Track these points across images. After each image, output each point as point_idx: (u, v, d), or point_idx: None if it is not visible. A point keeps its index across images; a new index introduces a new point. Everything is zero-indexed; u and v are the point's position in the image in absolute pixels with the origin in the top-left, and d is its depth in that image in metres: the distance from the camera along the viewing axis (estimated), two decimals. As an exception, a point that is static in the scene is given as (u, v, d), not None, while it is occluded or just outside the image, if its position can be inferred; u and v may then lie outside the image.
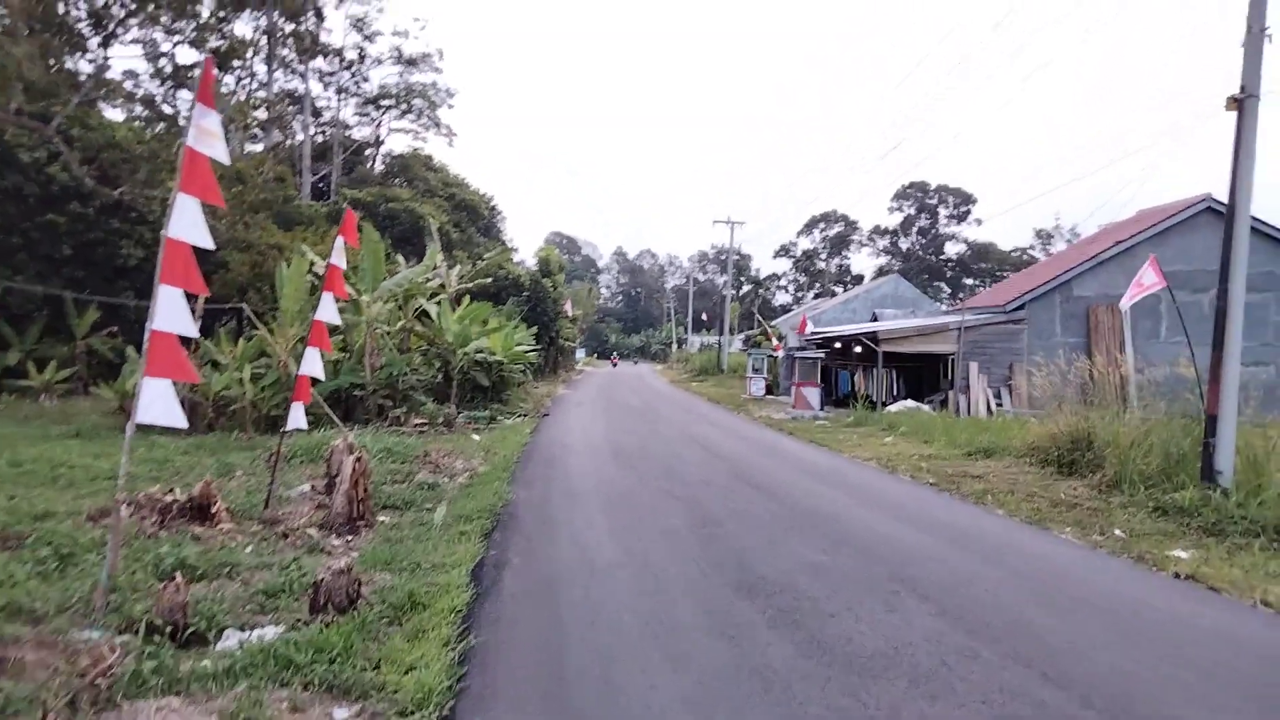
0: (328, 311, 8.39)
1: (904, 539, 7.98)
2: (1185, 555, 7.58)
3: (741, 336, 62.47)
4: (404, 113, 47.71)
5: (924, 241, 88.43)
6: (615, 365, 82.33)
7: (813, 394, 25.06)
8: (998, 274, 73.98)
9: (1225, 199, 10.16)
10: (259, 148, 35.73)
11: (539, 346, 28.34)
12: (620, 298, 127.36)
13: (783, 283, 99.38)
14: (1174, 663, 4.82)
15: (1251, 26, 9.88)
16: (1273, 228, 22.16)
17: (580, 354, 66.99)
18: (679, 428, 19.60)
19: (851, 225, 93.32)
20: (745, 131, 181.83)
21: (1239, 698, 4.34)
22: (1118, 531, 8.53)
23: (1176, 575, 7.00)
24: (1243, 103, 9.90)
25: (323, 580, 5.14)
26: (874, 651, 4.76)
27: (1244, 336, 9.99)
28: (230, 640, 4.49)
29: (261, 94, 37.59)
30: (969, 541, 8.06)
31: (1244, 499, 8.89)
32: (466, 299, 22.59)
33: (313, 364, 8.30)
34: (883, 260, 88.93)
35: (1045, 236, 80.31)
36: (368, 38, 43.58)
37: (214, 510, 7.31)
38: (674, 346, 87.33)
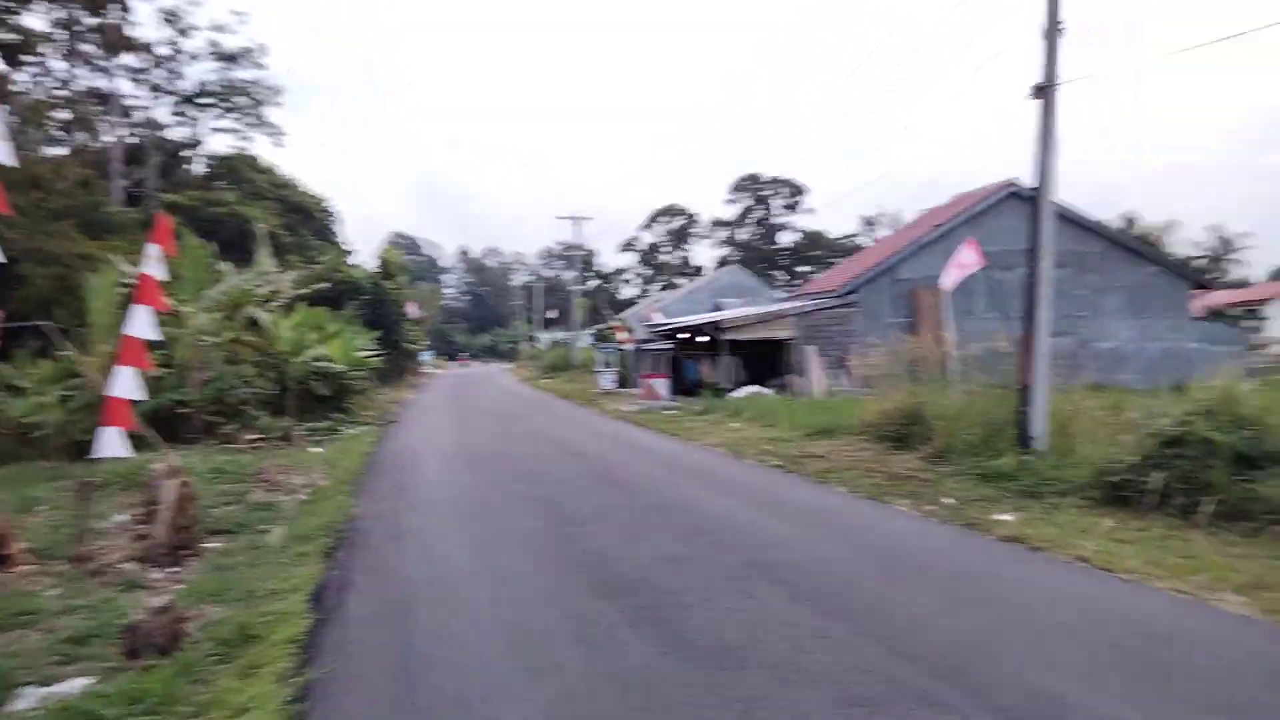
0: (142, 325, 7.71)
1: (756, 524, 8.13)
2: (1009, 518, 8.08)
3: (591, 331, 62.61)
4: (226, 111, 44.76)
5: (761, 232, 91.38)
6: (465, 366, 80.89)
7: (661, 385, 25.38)
8: (829, 261, 77.36)
9: (1029, 184, 10.93)
10: (61, 151, 32.69)
11: (382, 351, 27.32)
12: (467, 297, 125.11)
13: (629, 276, 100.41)
14: (1008, 624, 5.10)
15: (1048, 22, 10.64)
16: (1070, 209, 24.16)
17: (427, 356, 65.25)
18: (532, 427, 19.39)
19: (692, 218, 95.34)
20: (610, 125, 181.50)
21: (1068, 651, 4.62)
22: (948, 500, 9.03)
23: (1003, 538, 7.46)
24: (1044, 92, 10.65)
25: (139, 620, 4.69)
26: (732, 643, 4.78)
27: (1051, 310, 10.77)
28: (27, 699, 4.00)
29: (62, 92, 34.42)
30: (816, 521, 8.31)
31: (1057, 461, 9.62)
32: (302, 305, 21.48)
33: (126, 383, 7.59)
34: (723, 251, 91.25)
35: (871, 223, 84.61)
36: (182, 32, 40.54)
37: (11, 551, 6.57)
38: (524, 344, 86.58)
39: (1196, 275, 30.99)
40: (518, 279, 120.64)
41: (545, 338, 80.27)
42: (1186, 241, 67.81)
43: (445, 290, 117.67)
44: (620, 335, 37.31)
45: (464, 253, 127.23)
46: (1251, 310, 46.12)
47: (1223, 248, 70.92)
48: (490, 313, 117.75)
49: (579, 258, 68.65)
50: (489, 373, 63.68)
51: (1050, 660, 4.48)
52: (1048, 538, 7.27)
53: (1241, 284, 60.98)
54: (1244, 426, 7.85)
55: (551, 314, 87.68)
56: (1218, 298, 43.90)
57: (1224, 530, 7.23)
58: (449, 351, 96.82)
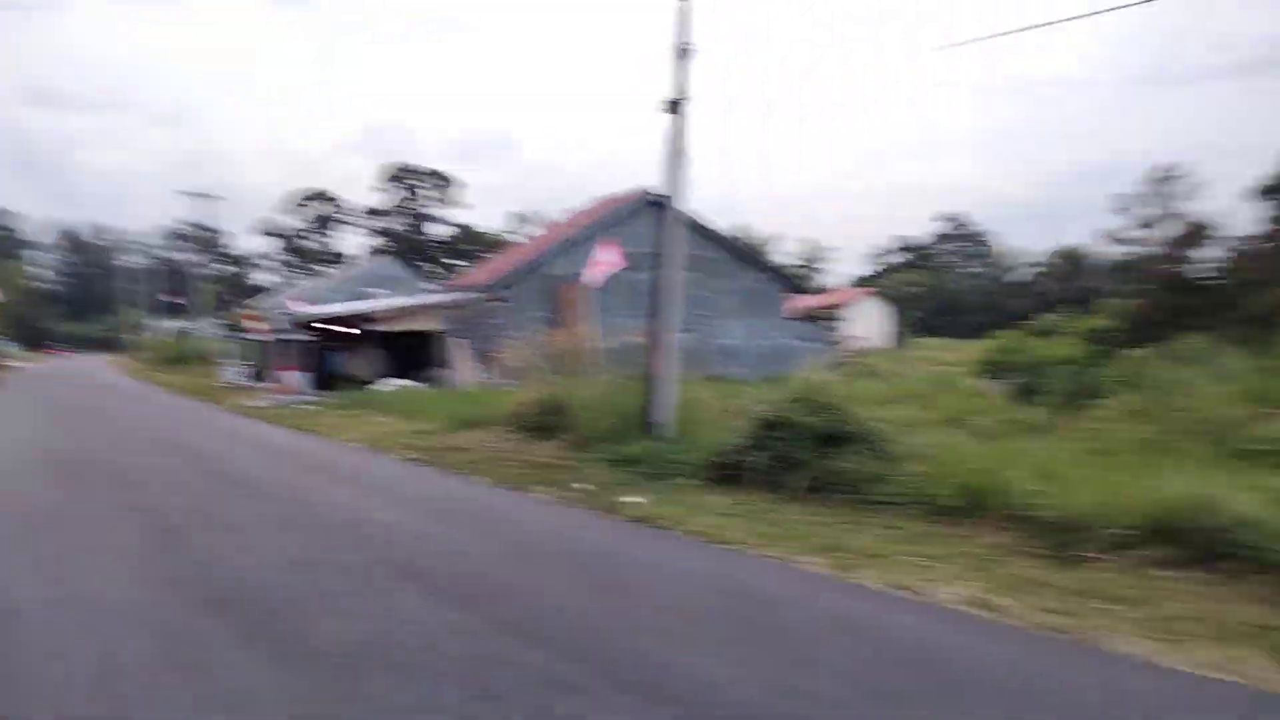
0: None
1: (391, 520, 7.85)
2: (639, 500, 8.59)
3: (220, 320, 57.03)
4: None
5: (413, 223, 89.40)
6: (61, 358, 69.84)
7: (300, 378, 23.83)
8: (481, 255, 77.78)
9: (662, 192, 11.75)
10: None
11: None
12: (68, 279, 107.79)
13: (267, 262, 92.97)
14: (636, 600, 5.40)
15: (678, 43, 11.48)
16: (697, 217, 26.44)
17: (10, 347, 55.20)
18: (140, 427, 17.18)
19: (339, 204, 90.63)
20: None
21: (687, 622, 4.99)
22: (585, 486, 9.42)
23: (632, 519, 7.93)
24: (675, 106, 11.48)
25: None
26: (358, 647, 4.50)
27: (679, 309, 11.68)
28: None
29: None
30: (454, 514, 8.24)
31: (680, 446, 10.44)
32: None
33: None
34: (373, 240, 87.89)
35: (523, 220, 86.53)
36: None
37: None
38: (138, 334, 76.56)
39: (794, 281, 35.49)
40: (132, 260, 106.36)
41: (165, 326, 71.66)
42: (786, 252, 77.95)
43: (36, 270, 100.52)
44: (254, 325, 34.38)
45: (62, 229, 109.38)
46: (833, 312, 54.09)
47: (814, 258, 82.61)
48: (97, 298, 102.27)
49: (206, 239, 62.28)
50: (92, 366, 55.34)
51: (671, 632, 4.78)
52: (671, 516, 7.85)
53: (826, 290, 71.33)
54: (827, 411, 9.09)
55: (173, 300, 78.38)
56: (809, 301, 50.86)
57: (813, 502, 8.28)
58: (40, 341, 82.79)
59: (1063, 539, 6.44)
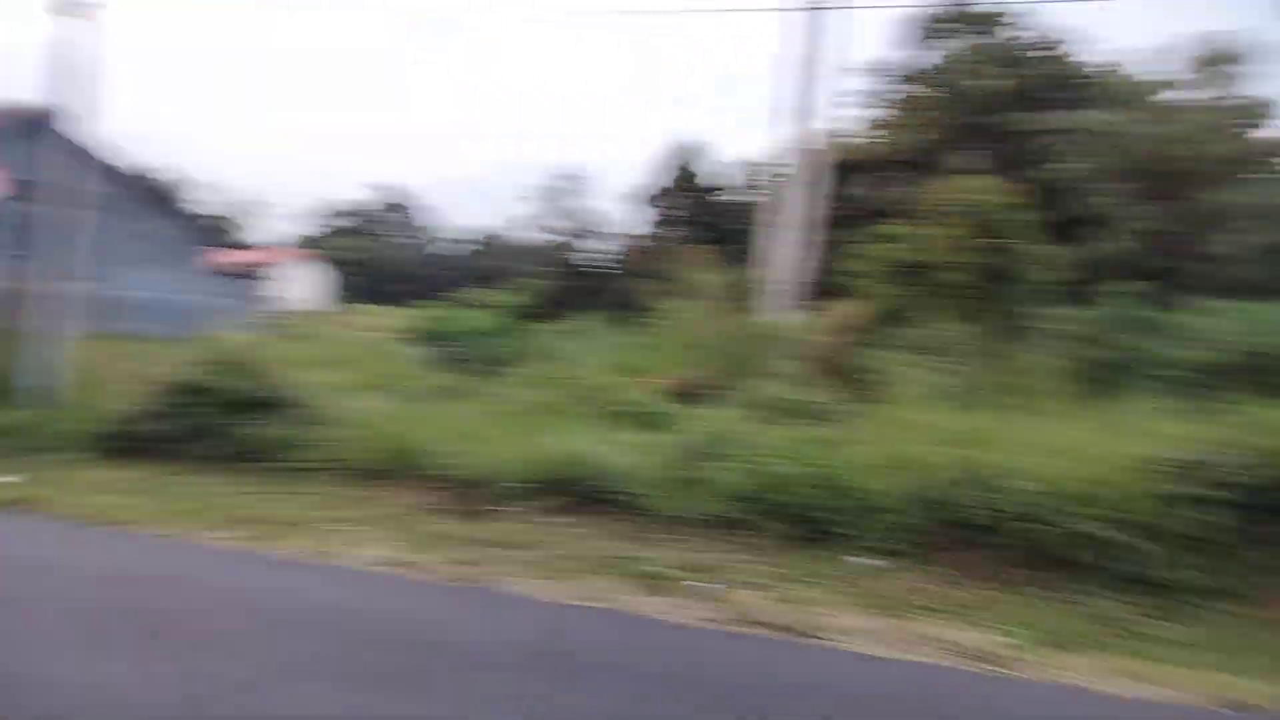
0: None
1: None
2: (12, 479, 7.29)
3: None
4: None
5: None
6: None
7: None
8: None
9: (62, 112, 10.03)
10: None
11: None
12: None
13: None
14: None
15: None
16: (105, 149, 22.80)
17: None
18: None
19: None
20: None
21: (47, 625, 4.36)
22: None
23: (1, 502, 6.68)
24: (75, 7, 9.76)
25: None
26: None
27: (76, 253, 10.02)
28: None
29: None
30: None
31: (74, 414, 9.04)
32: None
33: None
34: None
35: None
36: None
37: None
38: None
39: (220, 233, 32.89)
40: None
41: None
42: (218, 201, 71.47)
43: None
44: None
45: None
46: (266, 270, 51.37)
47: (249, 212, 77.32)
48: None
49: None
50: None
51: (24, 637, 4.15)
52: (49, 497, 6.83)
53: (260, 246, 67.35)
54: (248, 375, 8.65)
55: None
56: (239, 257, 47.53)
57: (233, 472, 7.81)
58: None
59: (471, 495, 7.11)
